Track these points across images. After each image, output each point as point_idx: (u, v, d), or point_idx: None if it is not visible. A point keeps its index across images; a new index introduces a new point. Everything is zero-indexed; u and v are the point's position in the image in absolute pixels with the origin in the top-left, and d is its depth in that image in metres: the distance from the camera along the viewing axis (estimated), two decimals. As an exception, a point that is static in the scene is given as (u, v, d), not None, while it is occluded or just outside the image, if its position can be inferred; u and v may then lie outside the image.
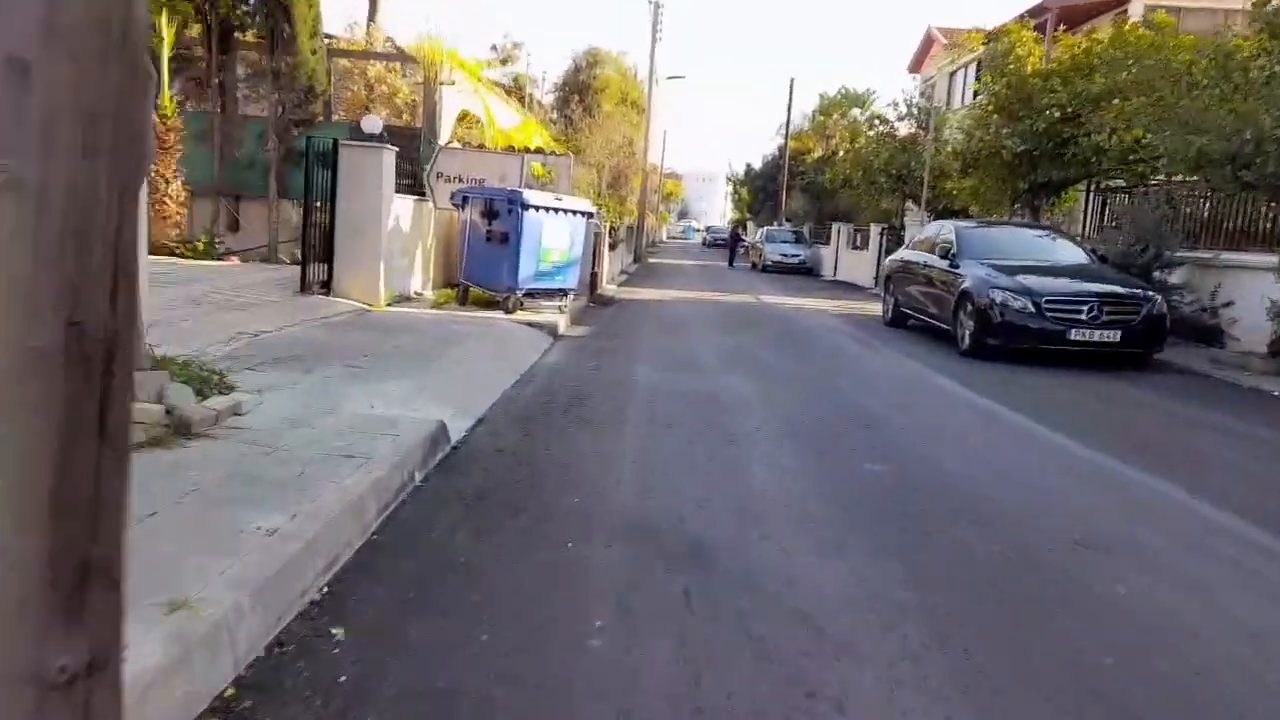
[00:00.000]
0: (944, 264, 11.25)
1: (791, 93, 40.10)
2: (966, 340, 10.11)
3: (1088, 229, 15.28)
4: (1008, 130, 14.42)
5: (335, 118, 13.88)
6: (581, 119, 30.89)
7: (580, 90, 32.33)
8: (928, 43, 35.50)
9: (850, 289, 23.76)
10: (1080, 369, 9.27)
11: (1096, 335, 9.30)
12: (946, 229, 11.98)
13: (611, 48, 33.76)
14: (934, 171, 21.86)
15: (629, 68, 34.58)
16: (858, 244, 28.03)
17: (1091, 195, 15.92)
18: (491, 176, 11.66)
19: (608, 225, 17.93)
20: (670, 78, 30.82)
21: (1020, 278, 9.94)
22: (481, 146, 13.15)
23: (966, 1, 32.15)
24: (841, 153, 36.93)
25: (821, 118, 44.48)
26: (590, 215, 11.11)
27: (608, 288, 17.43)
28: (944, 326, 11.15)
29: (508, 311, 10.29)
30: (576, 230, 10.85)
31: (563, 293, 11.00)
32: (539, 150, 13.76)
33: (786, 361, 9.12)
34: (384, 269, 9.88)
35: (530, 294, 11.21)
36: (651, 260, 35.83)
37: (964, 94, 29.34)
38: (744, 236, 39.22)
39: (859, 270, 25.87)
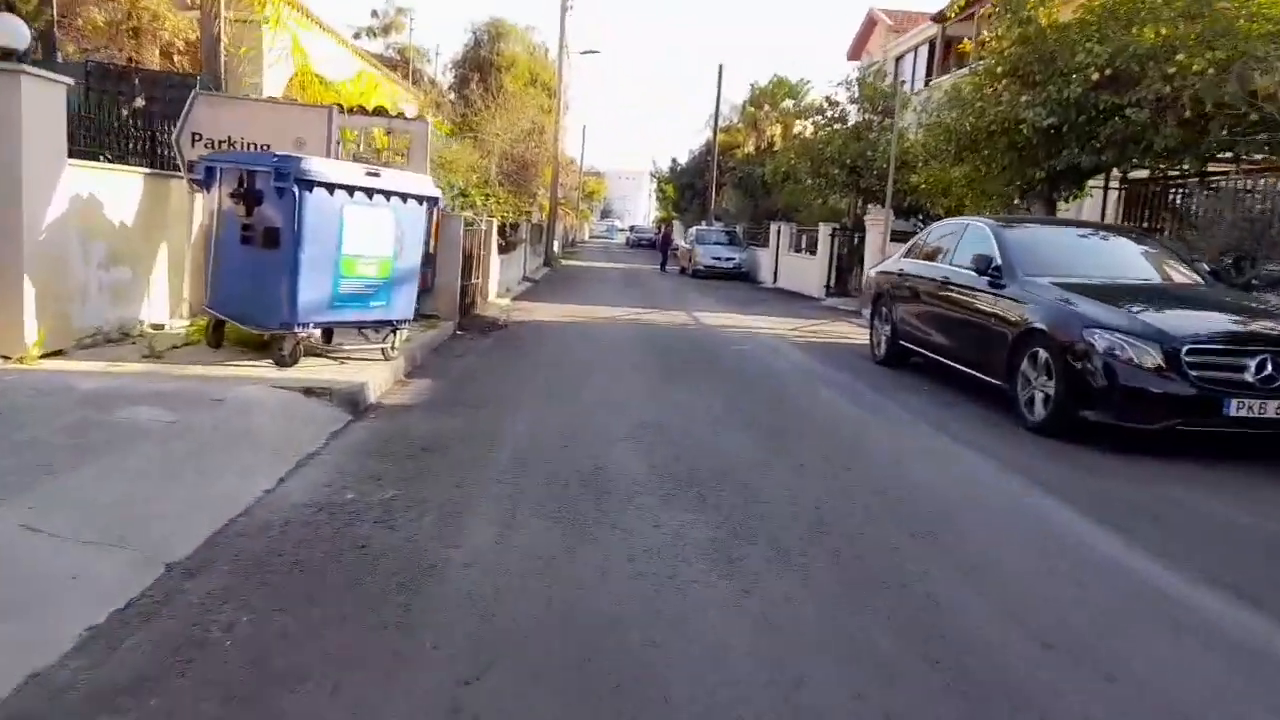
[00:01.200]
0: (980, 283, 7.41)
1: (720, 79, 36.41)
2: (1040, 409, 6.28)
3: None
4: (1027, 99, 10.73)
5: (63, 55, 9.26)
6: (483, 99, 26.52)
7: (481, 68, 27.96)
8: (869, 26, 32.26)
9: (798, 300, 20.00)
10: (1251, 465, 5.55)
11: (1274, 409, 5.56)
12: (975, 231, 8.15)
13: (518, 20, 29.36)
14: (895, 162, 18.29)
15: (538, 45, 30.36)
16: (802, 246, 24.39)
17: (1118, 187, 12.42)
18: (280, 141, 7.32)
19: (496, 221, 13.67)
20: (584, 52, 26.63)
21: (1135, 311, 6.15)
22: (273, 100, 8.73)
23: (914, -22, 29.27)
24: (779, 144, 33.44)
25: (752, 109, 40.95)
26: (434, 201, 6.88)
27: (497, 303, 13.18)
28: (979, 374, 7.33)
29: (282, 364, 5.99)
30: (408, 224, 6.61)
31: (389, 325, 6.75)
32: (379, 111, 9.46)
33: (759, 454, 5.10)
34: (36, 291, 5.46)
35: (334, 329, 6.91)
36: (567, 263, 31.57)
37: (915, 78, 26.05)
38: (675, 238, 35.24)
39: (805, 277, 22.17)
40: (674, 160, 48.38)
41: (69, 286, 5.91)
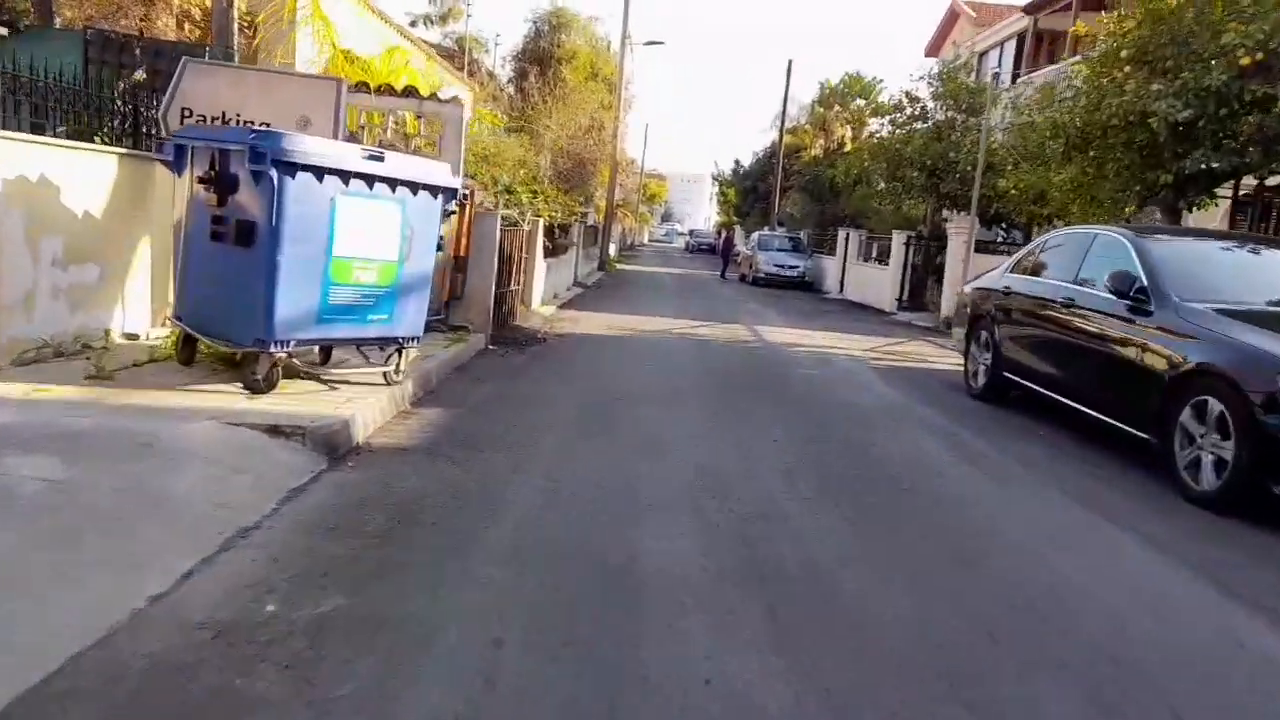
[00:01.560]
0: (1117, 307, 5.99)
1: (789, 76, 34.90)
2: (1210, 476, 4.85)
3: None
4: (1158, 87, 9.15)
5: (61, 21, 8.38)
6: (540, 93, 25.56)
7: (540, 60, 26.95)
8: (950, 19, 30.44)
9: (867, 314, 18.49)
10: None
11: None
12: (1108, 244, 6.69)
13: (581, 10, 28.32)
14: (983, 163, 16.68)
15: (600, 37, 29.22)
16: (872, 255, 22.81)
17: (1253, 196, 10.74)
18: (284, 119, 6.25)
19: (543, 221, 12.54)
20: (648, 43, 25.37)
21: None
22: (272, 70, 7.69)
23: (1002, -30, 27.32)
24: (849, 146, 31.83)
25: (821, 109, 39.31)
26: (452, 193, 5.72)
27: (540, 311, 12.05)
28: (1111, 420, 5.90)
29: (255, 390, 4.89)
30: (419, 221, 5.46)
31: (394, 342, 5.61)
32: (409, 91, 8.38)
33: (849, 537, 3.80)
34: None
35: (333, 346, 5.80)
36: (623, 267, 30.43)
37: (1001, 75, 24.21)
38: (737, 244, 33.77)
39: (875, 288, 20.61)
40: (736, 162, 47.01)
41: (3, 289, 4.89)
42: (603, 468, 4.75)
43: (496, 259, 8.77)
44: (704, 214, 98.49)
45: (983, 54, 25.82)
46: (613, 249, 33.11)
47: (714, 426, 6.03)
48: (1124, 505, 4.84)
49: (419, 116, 8.53)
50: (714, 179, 54.16)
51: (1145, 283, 5.89)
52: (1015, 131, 17.34)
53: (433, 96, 8.47)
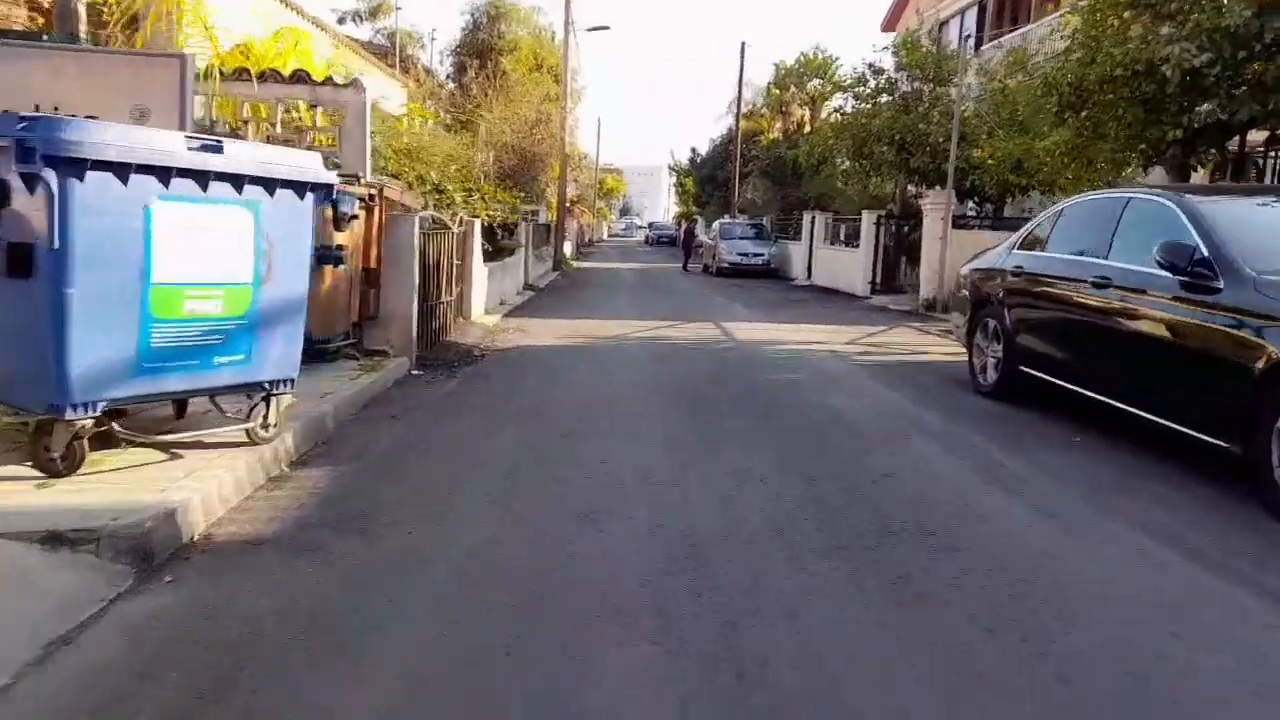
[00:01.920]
0: (1170, 285, 4.85)
1: (743, 58, 33.75)
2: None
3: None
4: (1169, 31, 8.04)
5: None
6: (481, 87, 24.19)
7: (480, 52, 25.53)
8: (906, -9, 29.44)
9: (840, 300, 17.40)
10: None
11: None
12: (1149, 209, 5.54)
13: (521, 1, 26.83)
14: (945, 136, 15.65)
15: (544, 27, 27.87)
16: (840, 238, 21.74)
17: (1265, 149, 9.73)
18: (113, 110, 4.89)
19: (481, 222, 11.21)
20: (592, 29, 24.10)
21: None
22: (94, 49, 6.25)
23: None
24: (808, 127, 30.82)
25: (777, 92, 38.17)
26: (325, 190, 4.40)
27: (483, 322, 10.74)
28: (1171, 424, 4.77)
29: (52, 471, 3.56)
30: (281, 229, 4.14)
31: (258, 389, 4.28)
32: (298, 77, 7.03)
33: (884, 645, 2.59)
34: None
35: (184, 400, 4.44)
36: (580, 265, 29.12)
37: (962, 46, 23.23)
38: (698, 234, 32.54)
39: (846, 272, 19.52)
40: (693, 150, 45.72)
41: None
42: (537, 548, 3.49)
43: (418, 268, 7.45)
44: (663, 206, 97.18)
45: (944, 23, 24.84)
46: (569, 247, 31.77)
47: (685, 466, 4.78)
48: (1219, 546, 3.68)
49: (313, 105, 7.17)
50: (671, 170, 52.79)
51: (1206, 253, 4.74)
52: (987, 98, 16.32)
53: (328, 81, 7.12)
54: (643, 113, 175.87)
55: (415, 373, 7.18)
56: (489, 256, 12.08)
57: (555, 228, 24.28)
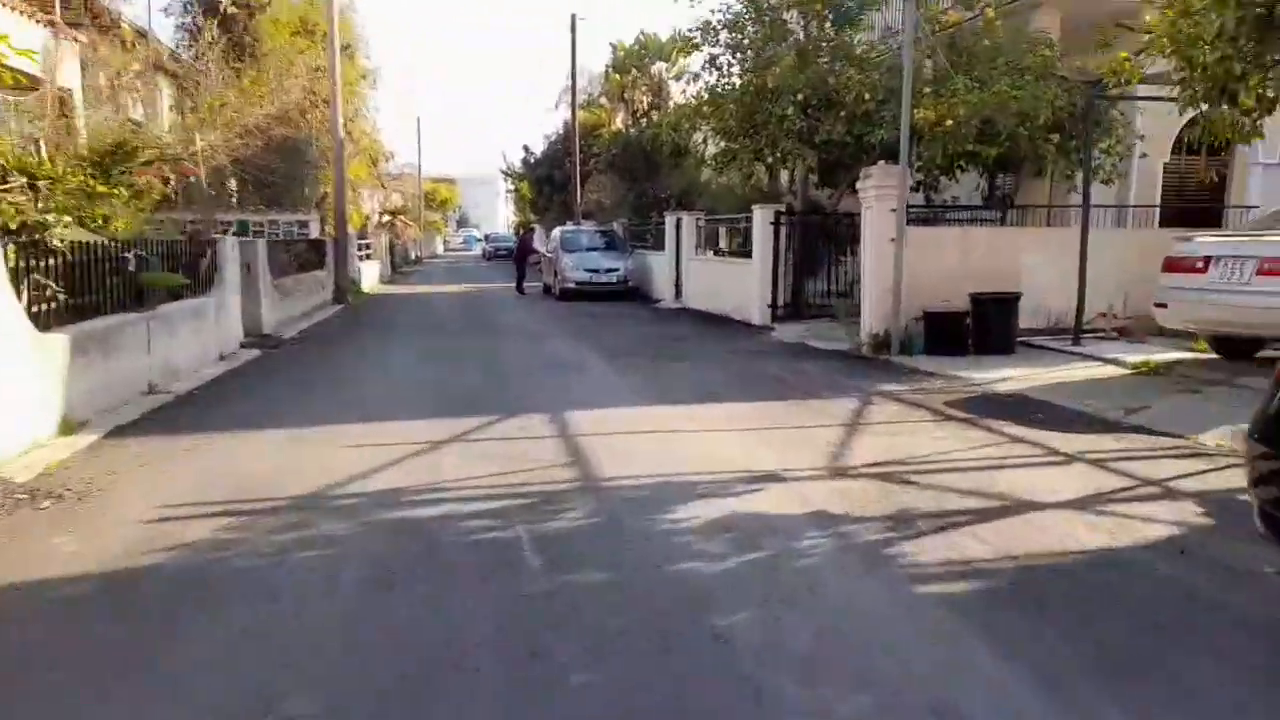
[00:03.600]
0: None
1: (574, 33, 28.21)
2: None
3: None
4: None
5: None
6: (223, 53, 17.54)
7: (216, 9, 18.64)
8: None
9: (734, 333, 12.00)
10: None
11: None
12: None
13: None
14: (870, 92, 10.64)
15: (313, -17, 21.13)
16: (718, 245, 16.50)
17: None
18: None
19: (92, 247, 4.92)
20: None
21: None
22: None
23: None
24: (656, 115, 25.63)
25: (617, 77, 32.88)
26: None
27: (22, 462, 4.37)
28: None
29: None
30: None
31: None
32: None
33: None
34: None
35: None
36: (384, 290, 22.55)
37: None
38: (536, 245, 26.56)
39: (734, 293, 14.19)
40: (526, 149, 39.66)
41: None
42: None
43: None
44: (502, 215, 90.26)
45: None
46: (373, 268, 25.14)
47: None
48: None
49: None
50: (504, 173, 46.42)
51: None
52: (934, 40, 11.34)
53: None
54: (480, 121, 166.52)
55: None
56: (92, 311, 5.83)
57: (336, 245, 17.76)
